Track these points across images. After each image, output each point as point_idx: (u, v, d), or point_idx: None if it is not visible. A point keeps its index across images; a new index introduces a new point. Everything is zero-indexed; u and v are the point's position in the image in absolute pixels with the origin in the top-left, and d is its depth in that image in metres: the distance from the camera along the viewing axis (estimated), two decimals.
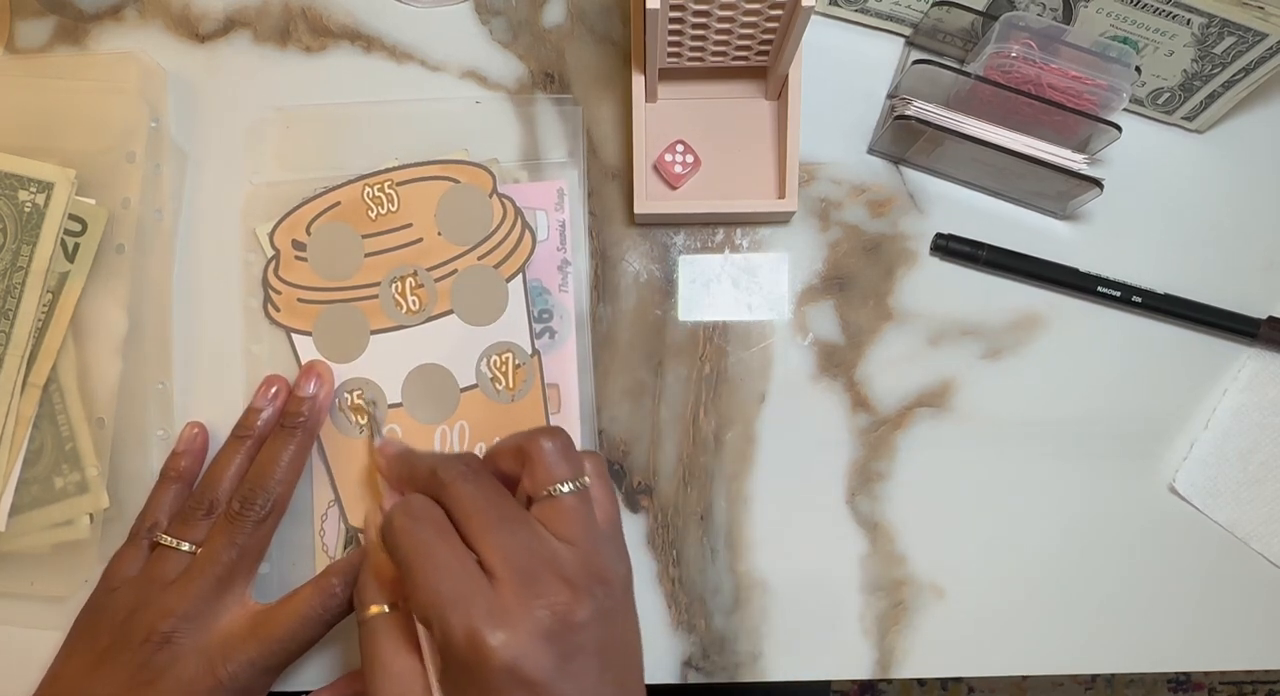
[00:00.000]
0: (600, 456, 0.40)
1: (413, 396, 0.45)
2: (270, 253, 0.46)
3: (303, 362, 0.46)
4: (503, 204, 0.46)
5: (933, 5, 0.44)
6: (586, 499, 0.37)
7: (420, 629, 0.36)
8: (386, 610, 0.37)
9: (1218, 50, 0.42)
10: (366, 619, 0.37)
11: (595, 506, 0.37)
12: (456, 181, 0.46)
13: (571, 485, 0.36)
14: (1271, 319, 0.46)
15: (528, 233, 0.46)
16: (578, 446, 0.45)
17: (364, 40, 0.49)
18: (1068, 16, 0.43)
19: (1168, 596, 0.46)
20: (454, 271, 0.46)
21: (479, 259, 0.45)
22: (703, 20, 0.40)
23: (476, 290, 0.45)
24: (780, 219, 0.47)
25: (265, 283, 0.46)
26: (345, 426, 0.45)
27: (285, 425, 0.43)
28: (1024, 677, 1.25)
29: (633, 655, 0.36)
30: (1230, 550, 0.46)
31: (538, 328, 0.46)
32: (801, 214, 0.47)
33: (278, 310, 0.46)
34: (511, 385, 0.45)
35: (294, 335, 0.46)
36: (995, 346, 0.47)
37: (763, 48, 0.43)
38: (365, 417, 0.45)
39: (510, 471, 0.38)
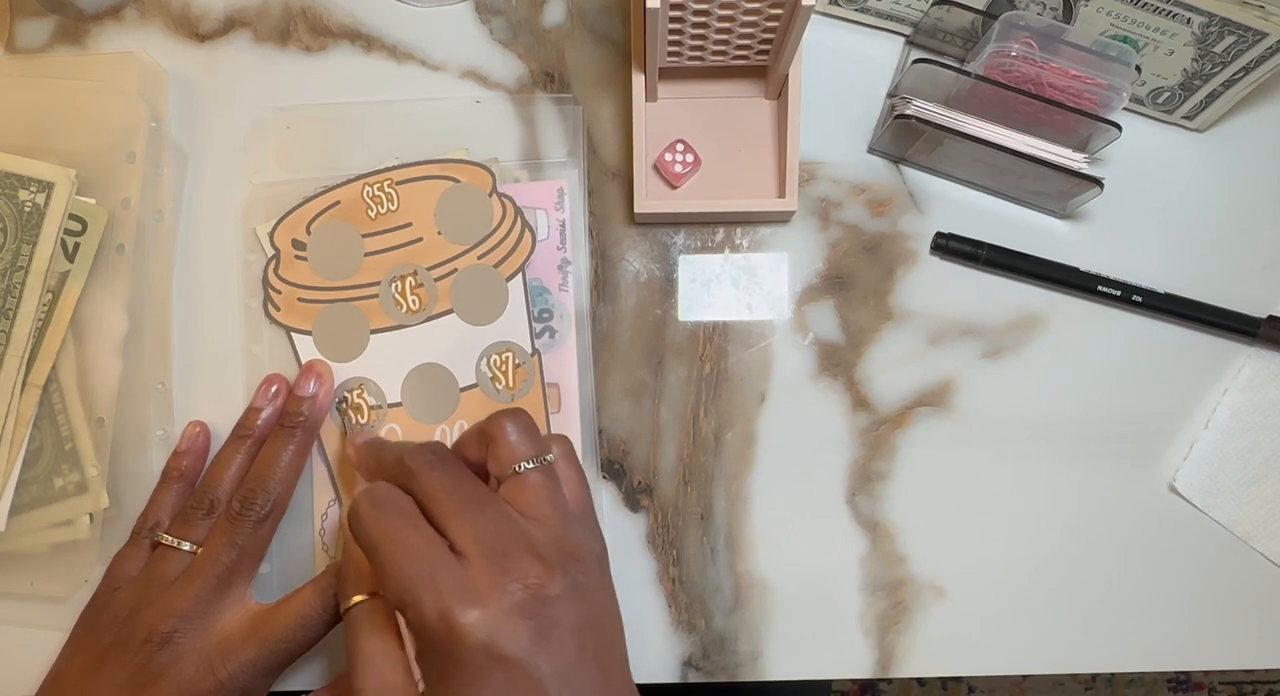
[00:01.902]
0: (567, 439, 0.40)
1: (413, 396, 0.45)
2: (270, 252, 0.46)
3: (303, 362, 0.46)
4: (502, 203, 0.46)
5: (933, 4, 0.44)
6: (552, 476, 0.37)
7: (399, 614, 0.36)
8: (366, 599, 0.37)
9: (1218, 49, 0.42)
10: (348, 609, 0.37)
11: (564, 485, 0.37)
12: (456, 181, 0.46)
13: (535, 462, 0.36)
14: (1272, 318, 0.46)
15: (528, 232, 0.46)
16: (578, 445, 0.45)
17: (364, 40, 0.49)
18: (1068, 15, 0.43)
19: (1168, 596, 0.46)
20: (454, 271, 0.46)
21: (479, 258, 0.45)
22: (703, 20, 0.40)
23: (476, 289, 0.45)
24: (780, 218, 0.47)
25: (265, 282, 0.46)
26: (346, 426, 0.45)
27: (285, 425, 0.44)
28: (1024, 677, 1.25)
29: (612, 633, 0.36)
30: (1230, 549, 0.46)
31: (538, 327, 0.46)
32: (801, 213, 0.47)
33: (278, 309, 0.46)
34: (512, 384, 0.45)
35: (294, 334, 0.46)
36: (995, 346, 0.47)
37: (763, 47, 0.43)
38: (361, 416, 0.45)
39: (477, 458, 0.38)
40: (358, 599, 0.37)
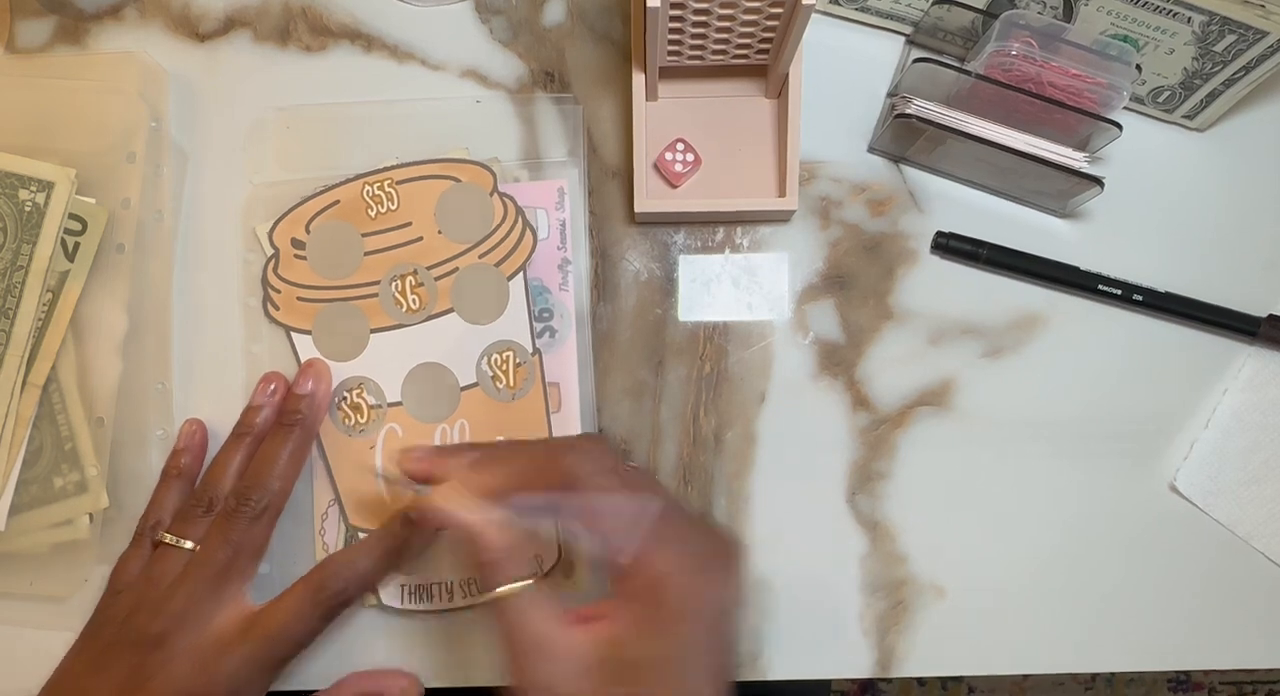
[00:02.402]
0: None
1: (413, 395, 0.45)
2: (269, 251, 0.46)
3: (302, 361, 0.46)
4: (503, 203, 0.46)
5: (933, 4, 0.44)
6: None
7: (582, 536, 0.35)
8: (529, 583, 0.35)
9: (1218, 48, 0.42)
10: (505, 596, 0.35)
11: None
12: (457, 180, 0.46)
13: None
14: (1272, 317, 0.46)
15: (529, 231, 0.46)
16: None
17: (364, 40, 0.49)
18: (1068, 15, 0.43)
19: (1168, 595, 0.46)
20: (454, 270, 0.46)
21: (479, 257, 0.45)
22: (703, 19, 0.40)
23: (477, 289, 0.45)
24: (780, 218, 0.47)
25: (264, 281, 0.46)
26: (345, 426, 0.45)
27: (283, 422, 0.43)
28: (1024, 677, 1.25)
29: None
30: (1230, 549, 0.46)
31: (538, 327, 0.46)
32: (802, 213, 0.47)
33: (277, 309, 0.46)
34: (512, 384, 0.45)
35: (293, 334, 0.46)
36: (996, 345, 0.47)
37: (763, 46, 0.43)
38: (361, 415, 0.45)
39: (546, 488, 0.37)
40: (517, 585, 0.35)
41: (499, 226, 0.46)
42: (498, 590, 0.35)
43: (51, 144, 0.46)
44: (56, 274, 0.45)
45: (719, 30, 0.41)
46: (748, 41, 0.42)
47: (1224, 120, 0.47)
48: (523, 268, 0.45)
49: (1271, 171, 0.48)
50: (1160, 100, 0.46)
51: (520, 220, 0.46)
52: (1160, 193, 0.48)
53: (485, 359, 0.45)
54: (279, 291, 0.46)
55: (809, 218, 0.48)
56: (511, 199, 0.46)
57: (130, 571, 0.42)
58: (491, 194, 0.46)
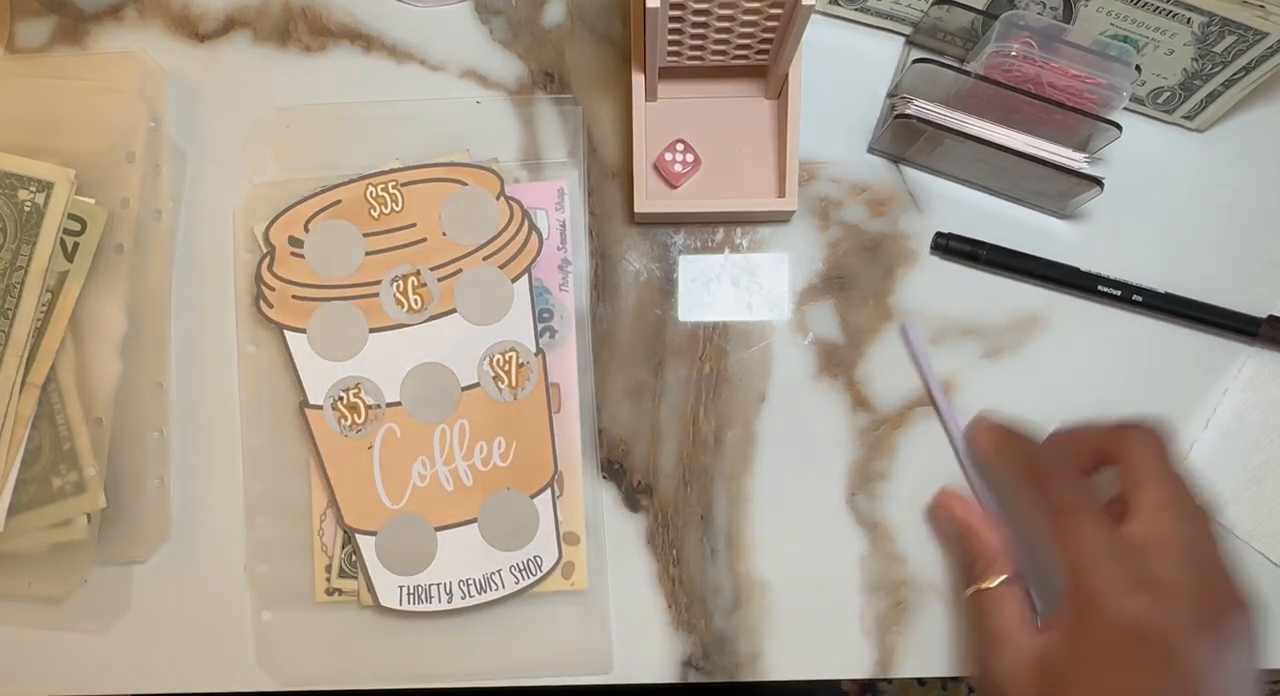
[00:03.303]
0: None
1: (412, 395, 0.45)
2: (265, 249, 0.46)
3: (296, 361, 0.45)
4: (510, 206, 0.46)
5: (933, 4, 0.44)
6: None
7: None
8: (1004, 578, 0.39)
9: (1218, 49, 0.42)
10: (988, 589, 0.39)
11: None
12: (463, 183, 0.46)
13: None
14: (1272, 318, 0.46)
15: (534, 234, 0.46)
16: (577, 445, 0.45)
17: (364, 40, 0.49)
18: (1068, 15, 0.43)
19: None
20: (458, 271, 0.45)
21: (484, 259, 0.45)
22: (703, 19, 0.40)
23: (481, 290, 0.45)
24: (780, 218, 0.47)
25: (258, 278, 0.46)
26: (342, 426, 0.45)
27: None
28: None
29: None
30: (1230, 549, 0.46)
31: (538, 327, 0.46)
32: (801, 213, 0.47)
33: (270, 307, 0.46)
34: (514, 384, 0.45)
35: (287, 333, 0.46)
36: (995, 346, 0.47)
37: (763, 47, 0.43)
38: (358, 415, 0.45)
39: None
40: (995, 581, 0.39)
41: (505, 229, 0.46)
42: (980, 584, 0.40)
43: (51, 144, 0.46)
44: (56, 274, 0.45)
45: (719, 31, 0.41)
46: (747, 42, 0.42)
47: (1224, 121, 0.47)
48: (528, 269, 0.45)
49: (1271, 171, 0.48)
50: (1160, 101, 0.46)
51: (526, 223, 0.46)
52: (1160, 193, 0.48)
53: (488, 359, 0.45)
54: (273, 289, 0.46)
55: (809, 218, 0.48)
56: (518, 202, 0.46)
57: None
58: (498, 197, 0.46)
